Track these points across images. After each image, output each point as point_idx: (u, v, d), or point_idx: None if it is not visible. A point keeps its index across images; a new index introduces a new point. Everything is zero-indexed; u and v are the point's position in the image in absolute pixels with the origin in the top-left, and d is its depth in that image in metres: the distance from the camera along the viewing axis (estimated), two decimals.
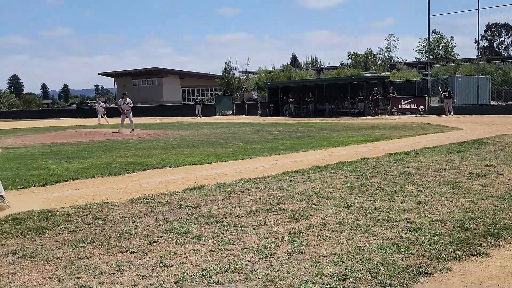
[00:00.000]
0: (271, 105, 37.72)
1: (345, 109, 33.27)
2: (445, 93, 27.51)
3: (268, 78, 46.58)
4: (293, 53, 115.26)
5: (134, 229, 4.75)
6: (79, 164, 9.82)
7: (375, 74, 43.08)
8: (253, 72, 52.83)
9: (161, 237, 4.47)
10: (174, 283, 3.36)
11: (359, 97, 31.93)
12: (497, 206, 5.31)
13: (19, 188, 7.20)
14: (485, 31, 63.66)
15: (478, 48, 42.58)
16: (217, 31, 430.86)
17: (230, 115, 40.84)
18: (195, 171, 8.62)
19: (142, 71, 59.85)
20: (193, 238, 4.40)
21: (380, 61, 58.55)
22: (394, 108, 31.17)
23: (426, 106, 30.17)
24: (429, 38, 38.67)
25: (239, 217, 5.14)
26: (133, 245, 4.24)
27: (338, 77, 42.24)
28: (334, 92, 34.27)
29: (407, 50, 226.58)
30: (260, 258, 3.81)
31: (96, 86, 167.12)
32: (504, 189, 6.25)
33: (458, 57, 58.81)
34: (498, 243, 4.09)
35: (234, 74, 49.89)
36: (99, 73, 68.09)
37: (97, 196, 6.45)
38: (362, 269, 3.50)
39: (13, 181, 7.72)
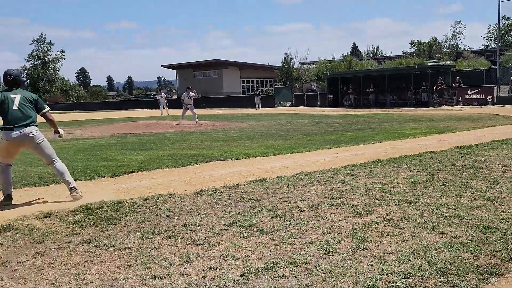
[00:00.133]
0: (331, 96, 37.34)
1: (407, 99, 32.35)
2: None
3: (328, 69, 46.09)
4: (354, 43, 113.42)
5: (200, 221, 4.89)
6: (145, 156, 10.18)
7: (440, 63, 41.57)
8: (313, 63, 52.37)
9: (225, 229, 4.57)
10: (240, 276, 3.44)
11: (422, 87, 30.93)
12: None
13: (90, 179, 7.57)
14: None
15: None
16: (277, 22, 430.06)
17: (289, 106, 40.80)
18: (256, 164, 8.71)
19: (202, 63, 60.92)
20: (257, 231, 4.47)
21: (445, 50, 56.38)
22: (460, 98, 29.98)
23: (495, 96, 28.79)
24: (499, 24, 36.68)
25: (301, 211, 5.16)
26: (199, 237, 4.37)
27: (400, 66, 41.17)
28: (396, 82, 33.40)
29: (475, 38, 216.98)
30: (324, 253, 3.82)
31: (159, 78, 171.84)
32: None
33: None
34: None
35: (293, 65, 49.73)
36: (161, 66, 69.95)
37: (163, 187, 6.67)
38: (429, 268, 3.43)
39: (84, 172, 8.13)
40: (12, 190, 6.10)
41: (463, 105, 29.02)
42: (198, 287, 3.26)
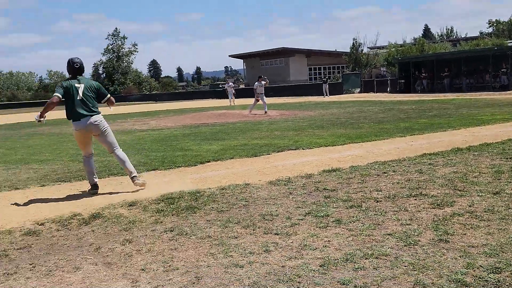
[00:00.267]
0: (402, 81, 36.23)
1: (485, 83, 30.74)
2: None
3: (398, 53, 44.68)
4: (426, 25, 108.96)
5: (276, 210, 4.96)
6: (218, 146, 10.42)
7: None
8: (382, 47, 50.95)
9: (302, 219, 4.61)
10: (320, 266, 3.46)
11: (502, 70, 29.26)
12: None
13: (168, 169, 7.87)
14: None
15: None
16: (344, 6, 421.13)
17: (358, 93, 40.02)
18: (328, 153, 8.67)
19: (269, 52, 61.01)
20: (333, 221, 4.48)
21: None
22: None
23: None
24: None
25: (377, 201, 5.10)
26: (276, 226, 4.44)
27: (477, 48, 39.11)
28: (473, 65, 31.83)
29: None
30: (404, 245, 3.76)
31: (226, 67, 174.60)
32: None
33: None
34: None
35: (362, 50, 48.62)
36: (229, 55, 70.88)
37: (237, 177, 6.82)
38: None
39: (162, 162, 8.46)
40: (97, 179, 6.49)
41: None
42: (279, 276, 3.33)
